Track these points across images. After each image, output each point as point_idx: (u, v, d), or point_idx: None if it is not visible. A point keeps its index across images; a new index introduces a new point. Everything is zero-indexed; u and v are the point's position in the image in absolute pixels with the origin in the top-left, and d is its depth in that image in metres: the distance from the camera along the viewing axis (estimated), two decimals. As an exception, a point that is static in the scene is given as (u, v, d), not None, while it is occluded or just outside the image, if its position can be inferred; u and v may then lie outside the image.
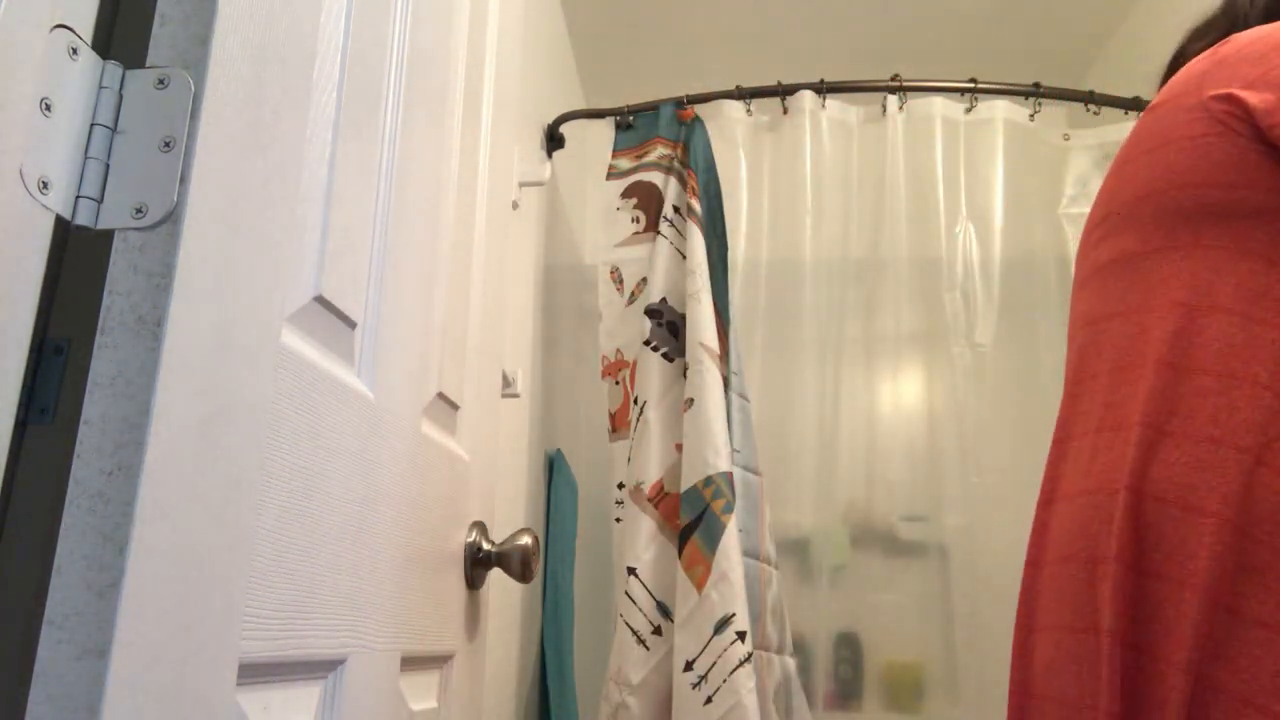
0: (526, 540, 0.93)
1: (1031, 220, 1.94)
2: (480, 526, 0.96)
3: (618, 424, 1.81)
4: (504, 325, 1.14)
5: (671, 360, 1.73)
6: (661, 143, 1.90)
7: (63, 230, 0.43)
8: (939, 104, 1.95)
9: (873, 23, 2.32)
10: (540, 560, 1.79)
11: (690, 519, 1.58)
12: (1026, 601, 0.77)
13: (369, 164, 0.69)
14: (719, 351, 1.68)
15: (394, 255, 0.73)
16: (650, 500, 1.65)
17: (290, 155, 0.56)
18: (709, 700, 1.48)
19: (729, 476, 1.59)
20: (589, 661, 1.96)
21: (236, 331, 0.49)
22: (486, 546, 0.95)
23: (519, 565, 0.93)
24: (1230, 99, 0.68)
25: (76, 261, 0.44)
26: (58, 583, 0.40)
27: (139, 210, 0.44)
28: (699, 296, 1.69)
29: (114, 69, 0.46)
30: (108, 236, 0.44)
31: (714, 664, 1.49)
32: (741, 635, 1.51)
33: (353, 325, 0.66)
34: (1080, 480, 0.73)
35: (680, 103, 1.91)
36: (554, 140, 2.01)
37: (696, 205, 1.77)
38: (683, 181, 1.82)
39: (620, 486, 1.74)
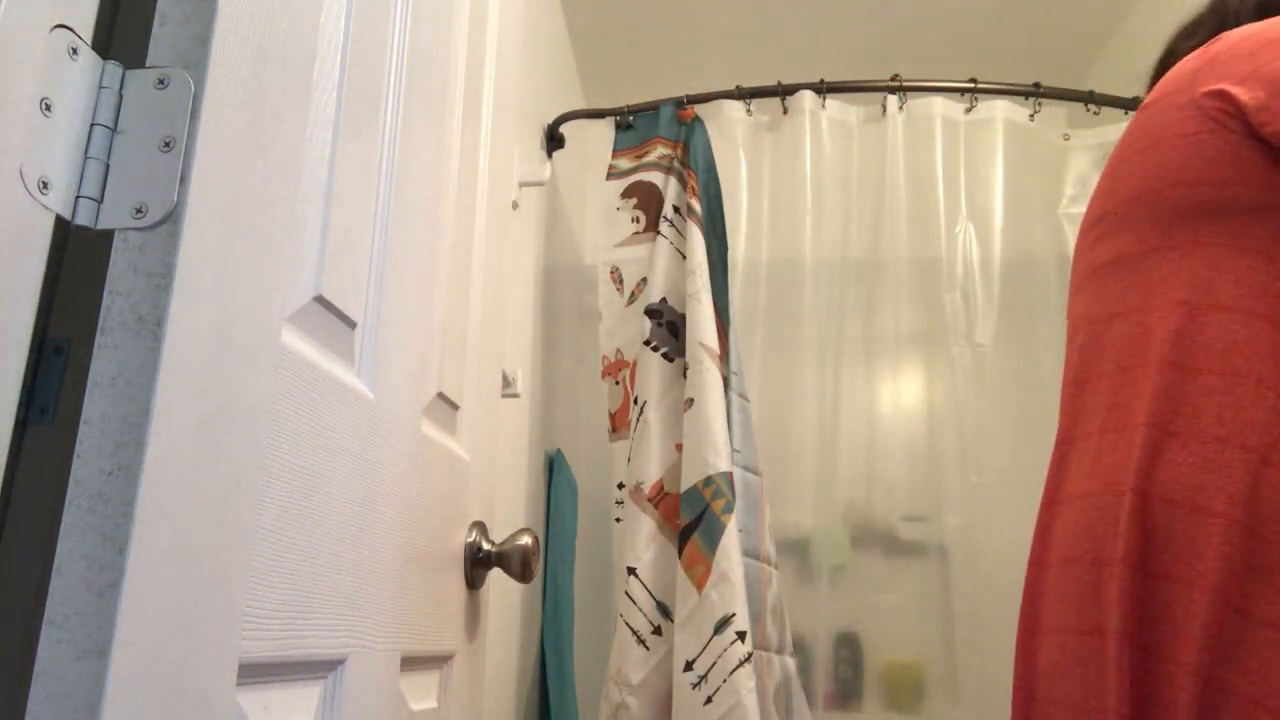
0: (526, 540, 0.93)
1: (1031, 220, 1.94)
2: (480, 526, 0.96)
3: (618, 424, 1.81)
4: (504, 325, 1.14)
5: (671, 360, 1.73)
6: (661, 143, 1.90)
7: (63, 230, 0.43)
8: (939, 104, 1.95)
9: (873, 23, 2.32)
10: (540, 560, 1.79)
11: (690, 519, 1.58)
12: (1030, 603, 0.76)
13: (369, 164, 0.69)
14: (719, 351, 1.68)
15: (394, 255, 0.73)
16: (650, 500, 1.65)
17: (290, 155, 0.56)
18: (709, 700, 1.48)
19: (729, 476, 1.59)
20: (589, 661, 1.96)
21: (236, 331, 0.49)
22: (486, 546, 0.95)
23: (519, 565, 0.93)
24: (1222, 95, 0.68)
25: (76, 261, 0.44)
26: (58, 583, 0.40)
27: (139, 210, 0.44)
28: (699, 296, 1.69)
29: (114, 69, 0.46)
30: (108, 236, 0.44)
31: (714, 664, 1.49)
32: (741, 635, 1.51)
33: (353, 325, 0.66)
34: (1084, 481, 0.72)
35: (680, 103, 1.91)
36: (554, 140, 2.01)
37: (696, 205, 1.77)
38: (683, 181, 1.82)
39: (620, 486, 1.74)
